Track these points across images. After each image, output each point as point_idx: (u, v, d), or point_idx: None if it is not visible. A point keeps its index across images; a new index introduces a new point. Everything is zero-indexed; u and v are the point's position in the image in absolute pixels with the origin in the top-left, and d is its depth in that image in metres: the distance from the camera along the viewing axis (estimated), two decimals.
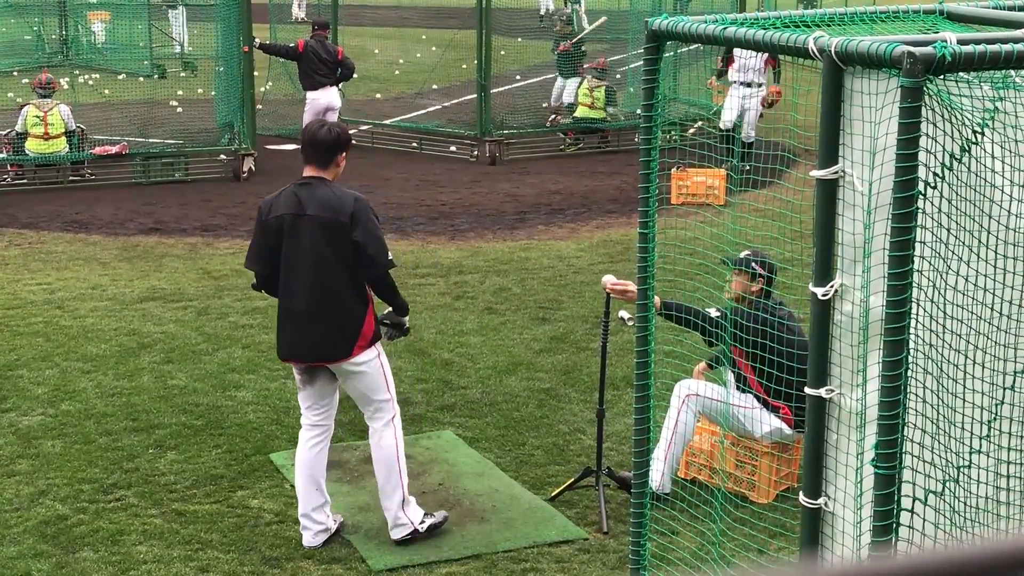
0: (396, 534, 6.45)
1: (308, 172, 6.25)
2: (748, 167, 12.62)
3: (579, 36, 20.18)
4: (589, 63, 18.48)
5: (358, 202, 6.18)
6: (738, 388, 6.90)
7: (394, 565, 6.24)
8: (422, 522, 6.47)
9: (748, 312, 6.61)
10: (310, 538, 6.42)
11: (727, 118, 15.50)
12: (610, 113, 18.04)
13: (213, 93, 17.70)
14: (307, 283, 6.18)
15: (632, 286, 6.15)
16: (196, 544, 6.40)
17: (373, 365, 6.36)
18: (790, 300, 6.96)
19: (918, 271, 3.98)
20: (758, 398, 6.84)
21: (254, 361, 9.05)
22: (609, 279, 6.89)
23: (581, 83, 17.93)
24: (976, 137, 4.10)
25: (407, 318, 6.50)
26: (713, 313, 6.49)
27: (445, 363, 9.00)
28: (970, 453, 4.30)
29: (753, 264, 6.79)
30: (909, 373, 4.01)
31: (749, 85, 15.42)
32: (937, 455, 4.18)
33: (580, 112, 17.87)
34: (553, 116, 18.90)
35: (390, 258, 6.21)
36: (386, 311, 6.51)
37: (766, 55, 15.26)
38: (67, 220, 13.47)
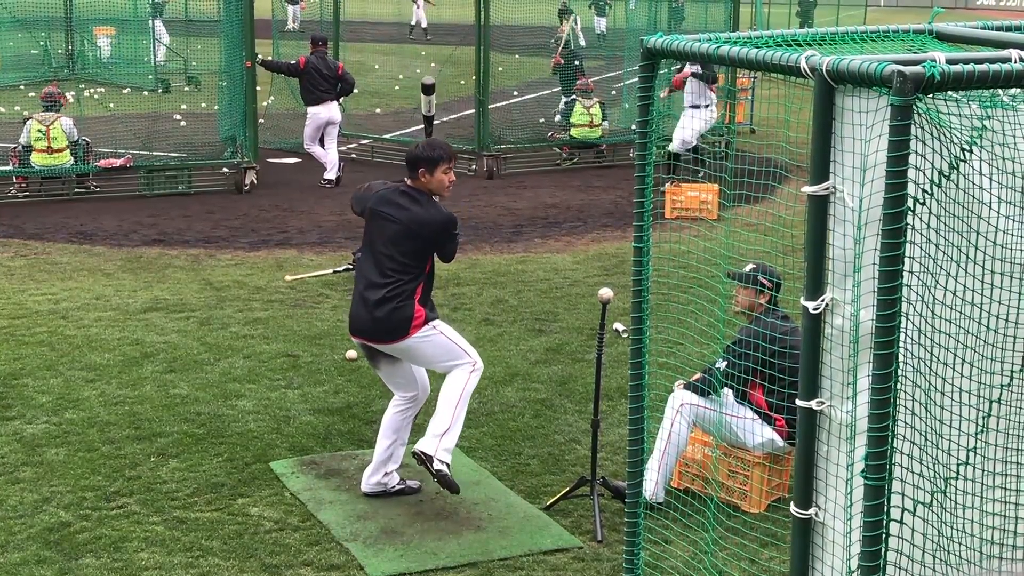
0: (421, 445, 6.67)
1: None
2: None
3: (560, 48, 20.31)
4: (576, 86, 18.60)
5: None
6: (735, 400, 6.99)
7: (391, 572, 6.31)
8: (442, 462, 6.59)
9: (753, 329, 6.71)
10: (364, 484, 7.11)
11: (678, 143, 15.87)
12: (604, 128, 18.22)
13: (216, 107, 17.80)
14: None
15: None
16: (197, 551, 6.47)
17: (422, 332, 6.80)
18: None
19: (907, 286, 4.04)
20: (758, 412, 6.93)
21: (255, 371, 9.14)
22: (605, 292, 6.99)
23: (574, 106, 18.05)
24: (964, 155, 4.18)
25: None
26: (720, 364, 6.71)
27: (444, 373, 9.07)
28: (958, 465, 4.38)
29: (760, 278, 6.89)
30: (899, 385, 4.08)
31: (696, 107, 16.07)
32: (926, 467, 4.24)
33: (580, 133, 17.96)
34: (552, 132, 19.04)
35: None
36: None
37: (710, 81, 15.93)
38: (72, 231, 13.57)
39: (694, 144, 16.11)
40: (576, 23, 25.60)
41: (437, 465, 6.58)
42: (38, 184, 15.29)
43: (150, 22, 24.64)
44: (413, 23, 35.90)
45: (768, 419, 6.91)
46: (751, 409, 6.95)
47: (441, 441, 6.60)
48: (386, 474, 7.08)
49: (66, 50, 24.76)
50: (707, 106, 16.13)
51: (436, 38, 32.84)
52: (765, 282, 6.91)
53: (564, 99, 19.54)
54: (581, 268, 12.39)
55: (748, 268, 6.96)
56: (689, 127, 15.82)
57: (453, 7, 28.67)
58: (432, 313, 6.88)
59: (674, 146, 15.72)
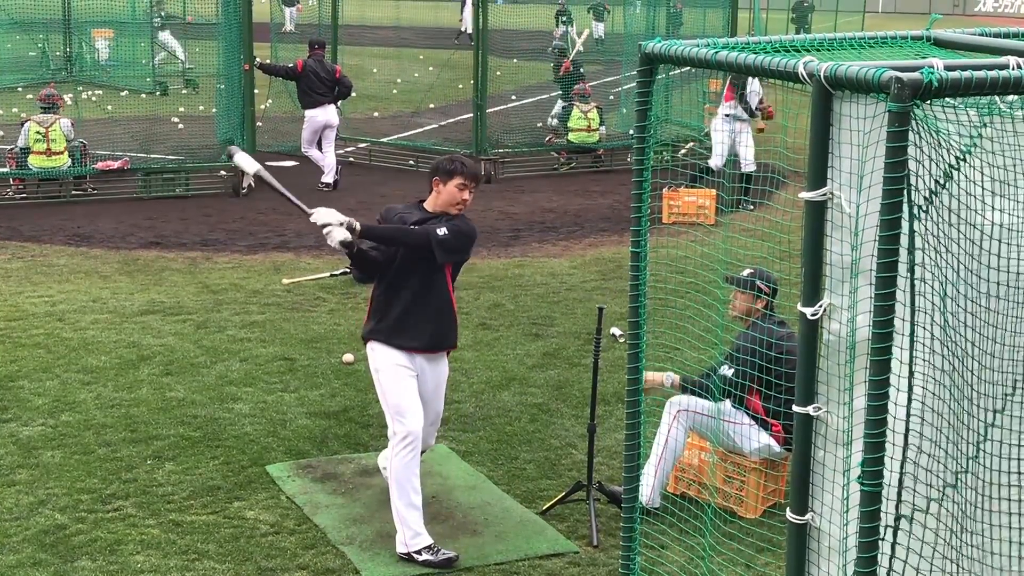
0: (398, 549, 6.53)
1: None
2: (752, 204, 12.45)
3: (571, 55, 20.37)
4: (574, 90, 18.60)
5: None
6: (732, 405, 6.99)
7: None
8: (418, 552, 6.45)
9: (751, 334, 6.71)
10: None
11: (719, 160, 15.09)
12: (602, 133, 18.24)
13: (214, 110, 17.80)
14: None
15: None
16: (192, 554, 6.47)
17: (370, 367, 6.68)
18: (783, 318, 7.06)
19: (920, 294, 4.02)
20: (755, 417, 6.92)
21: (251, 374, 9.14)
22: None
23: (571, 110, 18.07)
24: (958, 163, 4.17)
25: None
26: (727, 371, 6.59)
27: None
28: (956, 471, 4.37)
29: (757, 283, 6.90)
30: (916, 386, 4.05)
31: (741, 119, 15.15)
32: (931, 472, 4.23)
33: (578, 138, 17.99)
34: (549, 136, 19.08)
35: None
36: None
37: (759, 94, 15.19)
38: (69, 234, 13.56)
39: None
40: (572, 29, 25.63)
41: (420, 559, 6.43)
42: (35, 186, 15.29)
43: (152, 29, 24.64)
44: (462, 30, 35.58)
45: (765, 425, 6.91)
46: (748, 415, 6.95)
47: (404, 535, 6.48)
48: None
49: (64, 52, 24.74)
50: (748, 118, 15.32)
51: (435, 42, 32.86)
52: (763, 287, 6.92)
53: (561, 103, 19.56)
54: (578, 273, 12.40)
55: (746, 273, 6.97)
56: (748, 144, 14.98)
57: (452, 11, 28.68)
58: (377, 335, 6.56)
59: (750, 168, 14.71)
